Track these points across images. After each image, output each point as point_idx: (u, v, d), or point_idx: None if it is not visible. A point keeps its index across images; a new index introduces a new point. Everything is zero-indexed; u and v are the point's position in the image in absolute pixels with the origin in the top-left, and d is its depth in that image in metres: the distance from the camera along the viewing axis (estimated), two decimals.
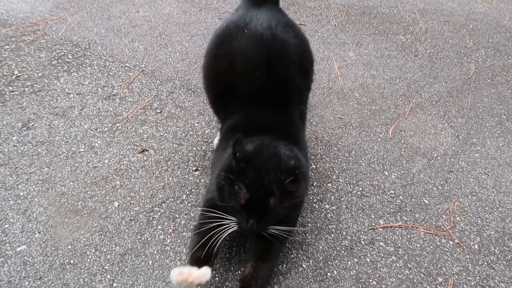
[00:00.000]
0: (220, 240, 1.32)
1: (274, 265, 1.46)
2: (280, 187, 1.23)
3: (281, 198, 1.24)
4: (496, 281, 1.53)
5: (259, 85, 1.53)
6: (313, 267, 1.53)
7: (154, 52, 2.52)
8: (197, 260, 1.30)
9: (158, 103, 2.17)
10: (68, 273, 1.44)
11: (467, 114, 2.32)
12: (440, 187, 1.88)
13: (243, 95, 1.56)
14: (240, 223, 1.27)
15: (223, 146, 1.53)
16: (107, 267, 1.47)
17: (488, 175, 1.97)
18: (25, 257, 1.48)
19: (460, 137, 2.17)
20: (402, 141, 2.11)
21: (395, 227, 1.69)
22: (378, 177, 1.90)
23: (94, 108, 2.09)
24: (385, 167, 1.96)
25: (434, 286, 1.50)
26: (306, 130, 1.85)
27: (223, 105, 1.67)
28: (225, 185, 1.28)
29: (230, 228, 1.29)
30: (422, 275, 1.53)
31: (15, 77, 2.19)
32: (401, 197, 1.82)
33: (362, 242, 1.63)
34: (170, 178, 1.80)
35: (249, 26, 1.55)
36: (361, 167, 1.94)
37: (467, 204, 1.82)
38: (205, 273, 1.26)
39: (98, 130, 1.98)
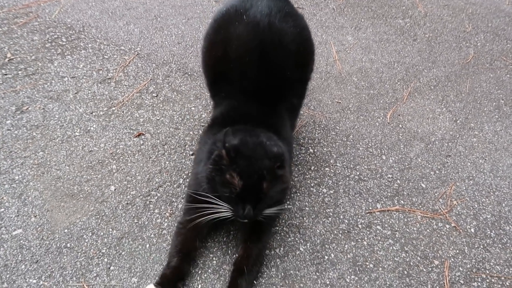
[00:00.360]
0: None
1: (264, 245, 1.48)
2: (270, 172, 1.28)
3: (272, 183, 1.29)
4: (491, 263, 1.55)
5: (249, 74, 1.53)
6: (311, 250, 1.53)
7: (149, 35, 2.48)
8: (169, 278, 1.35)
9: (154, 87, 2.14)
10: (65, 257, 1.44)
11: (465, 99, 2.31)
12: (437, 171, 1.88)
13: (234, 82, 1.57)
14: (236, 211, 1.30)
15: (205, 139, 1.53)
16: (104, 251, 1.47)
17: (485, 159, 1.97)
18: (21, 241, 1.47)
19: (458, 121, 2.16)
20: (400, 126, 2.10)
21: (392, 211, 1.70)
22: (375, 162, 1.89)
23: (89, 91, 2.06)
24: (383, 151, 1.95)
25: (430, 269, 1.51)
26: (296, 122, 1.84)
27: (218, 91, 1.68)
28: (216, 176, 1.30)
29: (222, 214, 1.32)
30: (418, 258, 1.54)
31: (8, 60, 2.15)
32: (398, 181, 1.82)
33: (359, 226, 1.63)
34: (167, 162, 1.78)
35: (248, 12, 1.52)
36: (359, 151, 1.94)
37: (464, 188, 1.82)
38: None
39: (94, 114, 1.95)
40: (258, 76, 1.53)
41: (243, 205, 1.28)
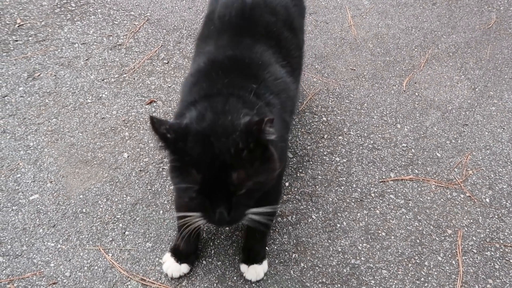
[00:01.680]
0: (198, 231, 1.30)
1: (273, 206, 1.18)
2: (242, 153, 0.90)
3: (248, 169, 0.91)
4: (506, 233, 1.53)
5: (231, 27, 1.32)
6: (323, 218, 1.53)
7: (159, 0, 2.42)
8: (181, 251, 1.33)
9: (165, 53, 2.11)
10: (81, 222, 1.47)
11: (485, 66, 2.23)
12: (453, 141, 1.84)
13: (214, 39, 1.35)
14: (208, 216, 0.96)
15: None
16: (119, 216, 1.49)
17: (503, 128, 1.92)
18: (38, 206, 1.50)
19: (476, 89, 2.10)
20: (416, 94, 2.05)
21: (406, 180, 1.68)
22: (390, 130, 1.86)
23: (100, 58, 2.04)
24: (398, 120, 1.91)
25: (443, 238, 1.51)
26: (300, 77, 1.70)
27: (199, 50, 1.48)
28: (177, 178, 0.96)
29: (195, 223, 1.03)
30: (431, 227, 1.54)
31: (18, 26, 2.13)
32: (413, 150, 1.79)
33: (372, 195, 1.62)
34: None
35: None
36: (373, 120, 1.90)
37: (481, 157, 1.79)
38: (182, 270, 1.33)
39: (105, 81, 1.94)
40: (235, 32, 1.31)
41: (212, 206, 0.92)
